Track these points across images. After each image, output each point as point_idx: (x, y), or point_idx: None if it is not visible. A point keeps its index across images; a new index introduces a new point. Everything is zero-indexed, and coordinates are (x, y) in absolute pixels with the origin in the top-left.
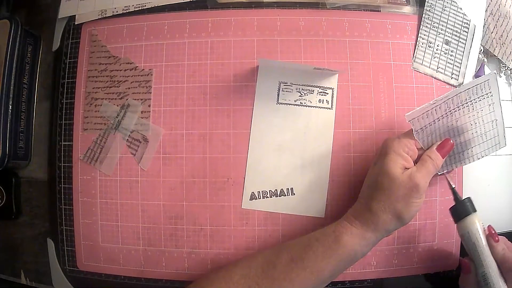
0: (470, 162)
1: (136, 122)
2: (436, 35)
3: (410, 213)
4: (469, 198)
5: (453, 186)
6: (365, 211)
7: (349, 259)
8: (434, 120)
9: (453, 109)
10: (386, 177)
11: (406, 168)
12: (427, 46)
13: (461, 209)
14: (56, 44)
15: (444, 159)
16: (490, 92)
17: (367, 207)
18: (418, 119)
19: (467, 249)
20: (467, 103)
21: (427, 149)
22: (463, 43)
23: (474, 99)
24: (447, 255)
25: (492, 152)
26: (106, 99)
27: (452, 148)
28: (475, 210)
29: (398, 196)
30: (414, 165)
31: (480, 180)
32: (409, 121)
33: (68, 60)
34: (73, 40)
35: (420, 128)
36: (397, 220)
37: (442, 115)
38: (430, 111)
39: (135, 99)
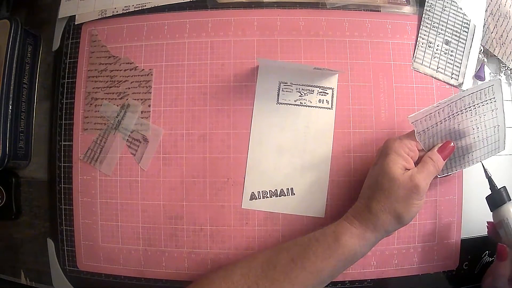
0: (470, 166)
1: (136, 122)
2: (436, 35)
3: (410, 214)
4: (504, 187)
5: (490, 175)
6: (364, 211)
7: (348, 259)
8: (436, 123)
9: (456, 113)
10: (386, 177)
11: (407, 169)
12: (427, 46)
13: (498, 198)
14: (56, 44)
15: (445, 161)
16: (494, 98)
17: (367, 207)
18: (421, 121)
19: (503, 236)
20: (470, 107)
21: (428, 150)
22: (463, 43)
23: (478, 104)
24: (447, 255)
25: (491, 156)
26: (106, 99)
27: (453, 151)
28: (510, 199)
29: (398, 197)
30: (415, 166)
31: (479, 180)
32: (412, 123)
33: (68, 60)
34: (73, 40)
35: (423, 130)
36: (397, 220)
37: (444, 118)
38: (433, 113)
39: (135, 99)
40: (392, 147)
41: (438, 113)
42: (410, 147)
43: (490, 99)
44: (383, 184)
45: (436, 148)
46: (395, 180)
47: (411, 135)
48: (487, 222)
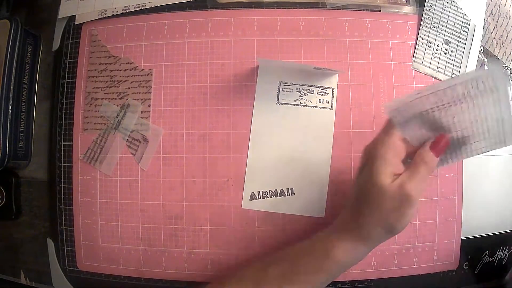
0: (469, 157)
1: (136, 122)
2: (436, 35)
3: (403, 224)
4: None
5: None
6: (354, 225)
7: (340, 270)
8: (422, 113)
9: (448, 104)
10: (373, 189)
11: (397, 174)
12: (427, 46)
13: None
14: (56, 44)
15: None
16: (496, 88)
17: (356, 221)
18: (400, 110)
19: None
20: (465, 98)
21: (419, 147)
22: (463, 43)
23: (475, 94)
24: (447, 255)
25: (495, 148)
26: (106, 99)
27: (448, 145)
28: None
29: (388, 210)
30: (407, 160)
31: (480, 180)
32: (389, 113)
33: (68, 60)
34: (73, 40)
35: (405, 121)
36: (389, 232)
37: (432, 108)
38: (414, 101)
39: (135, 99)
40: (377, 154)
41: (422, 101)
42: (395, 147)
43: (491, 88)
44: (370, 197)
45: (428, 145)
46: (384, 191)
47: (392, 131)
48: None
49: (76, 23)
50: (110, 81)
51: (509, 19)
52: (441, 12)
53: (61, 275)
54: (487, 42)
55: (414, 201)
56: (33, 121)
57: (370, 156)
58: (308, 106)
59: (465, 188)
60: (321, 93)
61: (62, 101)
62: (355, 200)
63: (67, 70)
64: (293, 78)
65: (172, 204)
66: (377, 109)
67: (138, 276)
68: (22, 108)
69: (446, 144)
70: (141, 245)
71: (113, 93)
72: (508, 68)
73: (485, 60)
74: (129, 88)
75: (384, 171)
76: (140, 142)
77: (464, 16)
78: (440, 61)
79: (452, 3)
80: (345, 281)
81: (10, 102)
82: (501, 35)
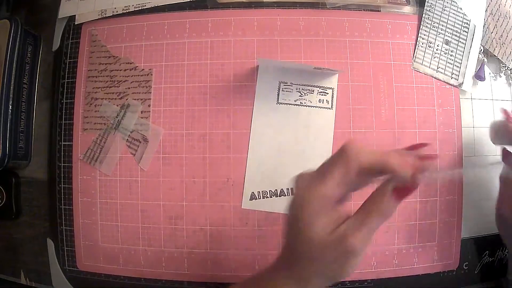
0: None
1: (136, 122)
2: (436, 35)
3: (347, 273)
4: None
5: None
6: (291, 273)
7: None
8: None
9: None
10: (304, 241)
11: (336, 220)
12: (427, 46)
13: None
14: (56, 44)
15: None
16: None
17: (293, 270)
18: None
19: None
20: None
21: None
22: (463, 43)
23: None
24: (447, 255)
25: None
26: (106, 99)
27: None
28: None
29: (326, 262)
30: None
31: (480, 180)
32: None
33: (68, 60)
34: (73, 40)
35: None
36: (332, 280)
37: None
38: None
39: (135, 99)
40: (308, 202)
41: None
42: (332, 195)
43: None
44: (303, 249)
45: (388, 189)
46: (318, 245)
47: (329, 179)
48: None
49: (76, 23)
50: (110, 81)
51: (509, 19)
52: (441, 12)
53: (61, 275)
54: (487, 42)
55: (358, 253)
56: (33, 121)
57: (301, 202)
58: (308, 106)
59: (465, 188)
60: (321, 93)
61: (62, 101)
62: (288, 249)
63: (67, 70)
64: (293, 78)
65: (172, 204)
66: (377, 109)
67: (138, 276)
68: (22, 108)
69: (414, 188)
70: (141, 245)
71: (113, 93)
72: (508, 68)
73: (485, 60)
74: (129, 88)
75: (317, 223)
76: (140, 142)
77: (464, 16)
78: (440, 61)
79: (452, 3)
80: (345, 281)
81: (10, 102)
82: (501, 35)
